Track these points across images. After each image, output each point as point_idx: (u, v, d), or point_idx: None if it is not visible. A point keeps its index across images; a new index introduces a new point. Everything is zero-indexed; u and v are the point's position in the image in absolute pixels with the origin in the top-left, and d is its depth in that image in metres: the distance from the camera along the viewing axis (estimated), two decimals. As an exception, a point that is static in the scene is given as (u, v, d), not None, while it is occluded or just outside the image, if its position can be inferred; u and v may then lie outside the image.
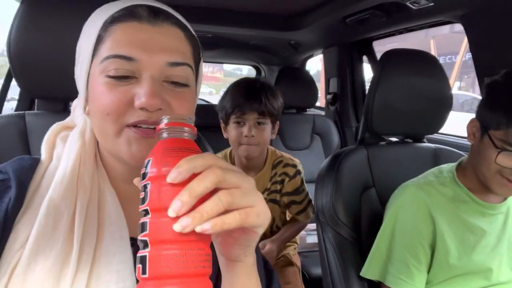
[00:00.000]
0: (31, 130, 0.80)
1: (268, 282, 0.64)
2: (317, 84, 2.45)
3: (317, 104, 2.70)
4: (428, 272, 0.97)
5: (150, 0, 0.55)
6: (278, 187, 1.38)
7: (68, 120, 0.65)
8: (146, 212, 0.37)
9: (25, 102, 1.54)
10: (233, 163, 1.38)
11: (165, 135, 0.39)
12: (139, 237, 0.36)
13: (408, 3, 1.39)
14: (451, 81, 1.38)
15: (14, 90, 1.60)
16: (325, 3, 1.68)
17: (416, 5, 1.38)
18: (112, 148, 0.53)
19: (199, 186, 0.35)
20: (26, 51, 0.77)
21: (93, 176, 0.56)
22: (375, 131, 1.26)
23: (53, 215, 0.50)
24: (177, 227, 0.34)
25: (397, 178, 1.10)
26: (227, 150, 1.45)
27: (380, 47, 2.00)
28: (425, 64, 1.23)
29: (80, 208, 0.51)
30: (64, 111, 0.74)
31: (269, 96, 1.26)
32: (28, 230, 0.49)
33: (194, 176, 0.35)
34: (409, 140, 1.37)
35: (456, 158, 1.07)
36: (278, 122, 1.34)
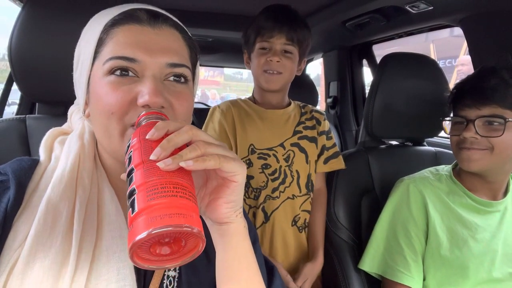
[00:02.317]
0: (32, 133, 0.81)
1: (270, 277, 0.65)
2: (317, 87, 2.45)
3: (317, 107, 2.69)
4: (423, 264, 0.99)
5: (148, 5, 0.57)
6: (314, 123, 1.25)
7: (65, 126, 0.66)
8: (131, 171, 0.39)
9: (25, 106, 1.54)
10: (253, 101, 1.24)
11: (143, 123, 0.45)
12: (127, 191, 0.38)
13: (407, 7, 1.39)
14: (451, 85, 1.39)
15: (15, 94, 1.60)
16: (325, 7, 1.69)
17: (416, 9, 1.39)
18: (117, 149, 0.53)
19: (176, 136, 0.41)
20: (27, 55, 0.77)
21: (92, 176, 0.56)
22: (375, 134, 1.26)
23: (51, 213, 0.50)
24: (160, 164, 0.38)
25: (399, 179, 1.10)
26: (233, 100, 1.29)
27: (380, 51, 2.01)
28: (425, 68, 1.23)
29: (79, 207, 0.52)
30: (64, 115, 0.74)
31: (300, 23, 1.14)
32: (27, 228, 0.49)
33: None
34: (409, 144, 1.37)
35: (457, 161, 1.08)
36: (305, 60, 1.22)
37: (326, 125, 1.28)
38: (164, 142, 0.39)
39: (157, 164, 0.38)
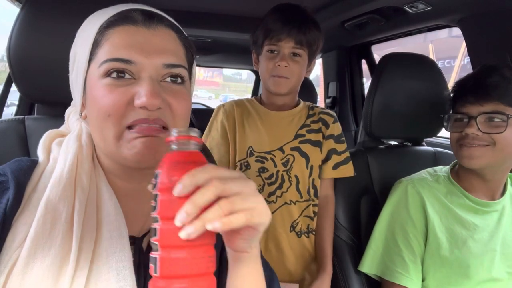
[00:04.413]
0: (31, 134, 0.80)
1: (270, 282, 0.65)
2: (316, 88, 2.46)
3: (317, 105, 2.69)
4: (422, 265, 0.99)
5: (144, 5, 0.57)
6: (320, 126, 1.20)
7: (62, 128, 0.65)
8: (156, 219, 0.41)
9: (24, 107, 1.54)
10: (260, 101, 1.23)
11: (173, 147, 0.43)
12: (152, 240, 0.41)
13: (406, 7, 1.40)
14: (450, 85, 1.40)
15: (14, 96, 1.60)
16: (323, 7, 1.69)
17: (414, 9, 1.39)
18: (113, 151, 0.53)
19: (201, 198, 0.39)
20: (26, 56, 0.77)
21: (91, 176, 0.56)
22: (374, 134, 1.26)
23: (51, 214, 0.50)
24: (183, 234, 0.39)
25: (397, 180, 1.10)
26: (238, 100, 1.28)
27: (379, 51, 2.01)
28: (423, 68, 1.24)
29: (79, 207, 0.52)
30: (63, 116, 0.74)
31: (310, 24, 1.10)
32: (26, 229, 0.49)
33: (198, 188, 0.40)
34: (408, 144, 1.37)
35: (456, 161, 1.08)
36: (315, 60, 1.20)
37: (336, 128, 1.21)
38: (189, 208, 0.39)
39: (180, 235, 0.39)
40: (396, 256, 0.99)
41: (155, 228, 0.41)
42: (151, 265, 0.40)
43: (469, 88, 0.97)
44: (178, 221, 0.39)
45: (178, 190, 0.39)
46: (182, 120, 0.56)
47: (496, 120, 0.91)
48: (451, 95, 1.04)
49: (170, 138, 0.43)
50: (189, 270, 0.40)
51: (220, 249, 0.59)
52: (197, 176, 0.40)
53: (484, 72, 0.96)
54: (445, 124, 1.03)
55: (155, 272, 0.40)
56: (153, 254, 0.41)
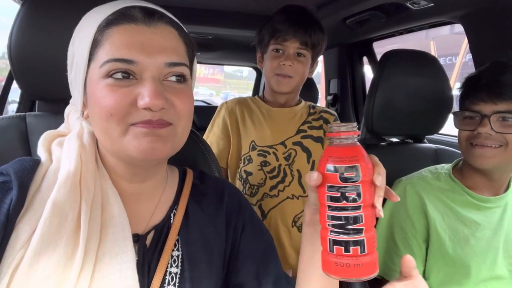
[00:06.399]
0: (32, 131, 0.80)
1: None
2: (317, 85, 2.45)
3: (317, 105, 2.69)
4: (424, 265, 0.99)
5: (143, 2, 0.56)
6: (321, 123, 1.23)
7: (62, 127, 0.65)
8: (356, 208, 0.47)
9: (26, 104, 1.54)
10: (262, 99, 1.26)
11: (353, 140, 0.50)
12: (352, 227, 0.47)
13: (408, 4, 1.39)
14: (451, 82, 1.39)
15: (15, 93, 1.60)
16: (325, 4, 1.68)
17: (416, 5, 1.38)
18: (118, 148, 0.53)
19: (383, 184, 0.49)
20: (27, 52, 0.77)
21: (95, 177, 0.56)
22: (376, 131, 1.26)
23: (58, 216, 0.50)
24: (382, 214, 0.48)
25: (397, 179, 1.10)
26: (241, 98, 1.32)
27: (380, 48, 2.00)
28: (425, 65, 1.23)
29: (86, 209, 0.52)
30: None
31: (315, 26, 1.14)
32: (29, 229, 0.49)
33: None
34: (410, 141, 1.37)
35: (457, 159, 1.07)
36: (317, 61, 1.24)
37: None
38: (382, 193, 0.49)
39: (381, 215, 0.48)
40: (396, 256, 0.98)
41: (358, 216, 0.47)
42: (355, 248, 0.47)
43: (482, 86, 0.93)
44: (379, 204, 0.48)
45: (381, 181, 0.48)
46: (186, 118, 0.56)
47: (509, 119, 0.89)
48: (460, 91, 1.01)
49: (351, 131, 0.49)
50: (375, 244, 0.49)
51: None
52: (382, 168, 0.49)
53: (497, 69, 0.93)
54: (454, 121, 1.01)
55: (363, 251, 0.47)
56: (354, 238, 0.47)
